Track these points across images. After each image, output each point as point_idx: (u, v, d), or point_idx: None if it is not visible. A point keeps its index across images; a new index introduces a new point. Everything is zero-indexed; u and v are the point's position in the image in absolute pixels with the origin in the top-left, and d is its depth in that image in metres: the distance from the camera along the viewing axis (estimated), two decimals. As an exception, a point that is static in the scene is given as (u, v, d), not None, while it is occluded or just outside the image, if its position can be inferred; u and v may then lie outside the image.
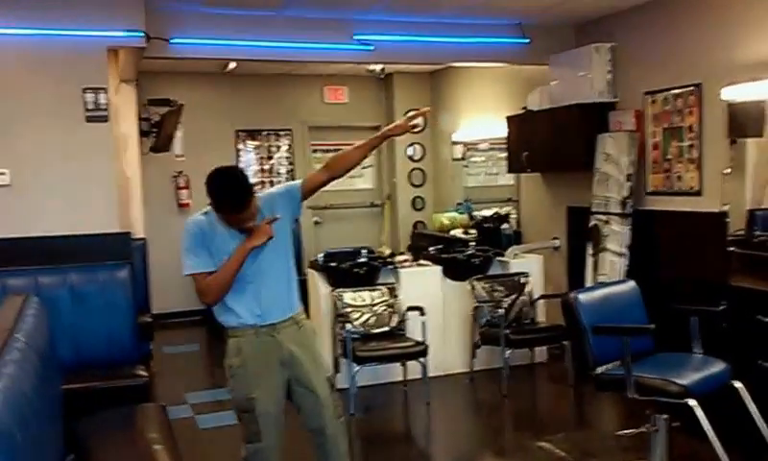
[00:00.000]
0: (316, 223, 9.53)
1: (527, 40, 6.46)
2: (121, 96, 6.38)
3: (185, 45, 5.69)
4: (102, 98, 5.13)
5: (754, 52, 4.77)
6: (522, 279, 6.24)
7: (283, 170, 9.59)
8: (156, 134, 6.82)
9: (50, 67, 5.07)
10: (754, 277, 4.50)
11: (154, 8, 5.32)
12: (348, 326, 5.51)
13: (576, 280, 6.28)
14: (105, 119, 5.17)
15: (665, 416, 3.72)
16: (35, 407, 2.35)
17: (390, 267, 6.20)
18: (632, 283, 4.21)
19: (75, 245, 5.02)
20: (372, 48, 6.15)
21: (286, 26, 5.90)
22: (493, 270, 6.44)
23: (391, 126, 3.39)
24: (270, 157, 9.53)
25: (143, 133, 6.96)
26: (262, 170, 9.51)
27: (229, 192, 2.97)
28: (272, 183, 9.49)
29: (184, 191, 8.76)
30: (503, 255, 6.58)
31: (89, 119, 5.14)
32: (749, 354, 3.96)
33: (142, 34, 5.21)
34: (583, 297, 3.92)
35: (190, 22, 5.64)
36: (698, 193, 5.33)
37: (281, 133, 9.53)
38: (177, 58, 5.92)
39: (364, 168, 9.91)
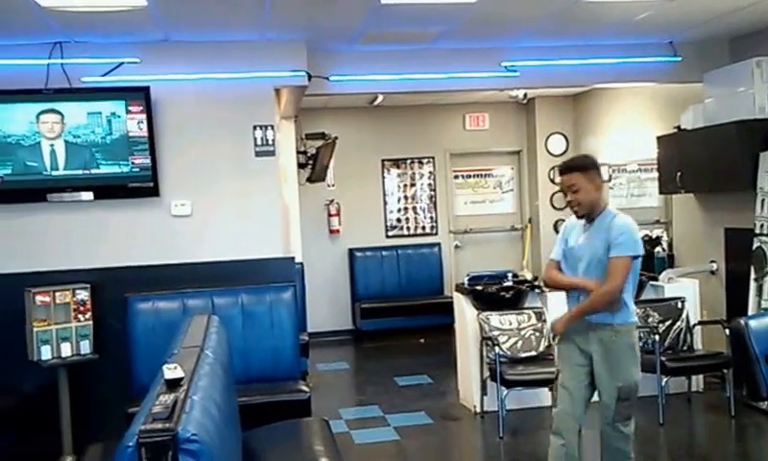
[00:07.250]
0: (456, 247, 9.66)
1: (679, 58, 6.32)
2: (281, 132, 6.80)
3: (343, 82, 6.01)
4: (270, 134, 5.50)
5: None
6: (679, 305, 6.05)
7: (425, 196, 9.81)
8: (312, 166, 7.21)
9: (224, 107, 5.49)
10: None
11: (314, 48, 5.66)
12: (497, 349, 5.52)
13: (736, 306, 6.01)
14: (272, 153, 5.55)
15: None
16: (224, 416, 2.57)
17: (537, 291, 6.19)
18: (806, 309, 4.00)
19: (244, 268, 5.39)
20: (518, 74, 6.22)
21: (436, 58, 6.10)
22: (646, 295, 6.24)
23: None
24: (413, 184, 9.79)
25: (300, 165, 7.37)
26: (405, 197, 9.78)
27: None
28: (414, 209, 9.77)
29: (335, 218, 9.24)
30: (656, 280, 6.41)
31: (258, 154, 5.52)
32: None
33: (305, 73, 5.57)
34: (753, 323, 3.76)
35: (347, 60, 5.96)
36: None
37: (424, 160, 9.77)
38: (334, 94, 6.25)
39: (504, 192, 9.97)
